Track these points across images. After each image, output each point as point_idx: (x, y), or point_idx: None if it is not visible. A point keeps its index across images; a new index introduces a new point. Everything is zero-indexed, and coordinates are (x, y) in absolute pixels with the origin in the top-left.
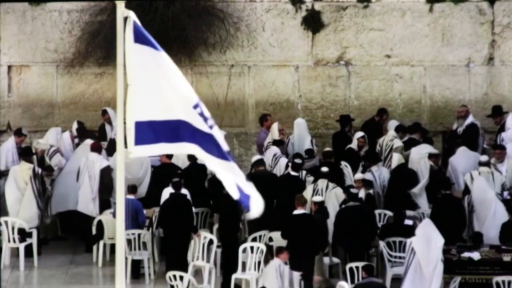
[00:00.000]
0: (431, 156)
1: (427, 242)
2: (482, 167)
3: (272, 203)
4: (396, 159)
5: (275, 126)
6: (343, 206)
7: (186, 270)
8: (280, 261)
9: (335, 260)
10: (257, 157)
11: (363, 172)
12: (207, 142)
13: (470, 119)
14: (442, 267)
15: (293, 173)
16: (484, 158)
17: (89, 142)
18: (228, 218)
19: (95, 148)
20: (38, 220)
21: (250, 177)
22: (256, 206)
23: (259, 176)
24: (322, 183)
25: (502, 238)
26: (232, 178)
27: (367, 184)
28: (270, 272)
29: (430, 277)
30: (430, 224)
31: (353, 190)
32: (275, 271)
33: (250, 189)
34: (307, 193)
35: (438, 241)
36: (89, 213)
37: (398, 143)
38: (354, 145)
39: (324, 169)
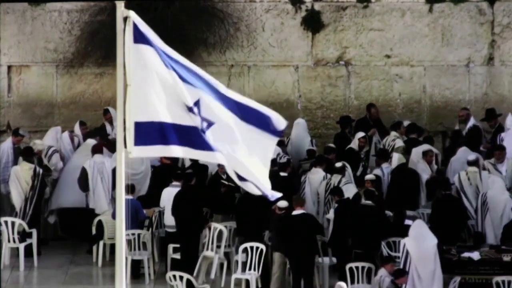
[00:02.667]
0: (424, 154)
1: (419, 242)
2: (470, 167)
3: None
4: (396, 158)
5: None
6: (360, 204)
7: (196, 262)
8: (385, 272)
9: (335, 260)
10: None
11: (364, 171)
12: (202, 144)
13: (472, 122)
14: (440, 266)
15: (282, 173)
16: (472, 157)
17: (90, 142)
18: (250, 217)
19: (98, 150)
20: (26, 220)
21: None
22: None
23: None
24: (335, 178)
25: (503, 239)
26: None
27: (376, 185)
28: (374, 284)
29: (428, 277)
30: (422, 224)
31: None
32: (377, 283)
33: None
34: (321, 189)
35: (431, 240)
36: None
37: (399, 143)
38: (354, 145)
39: (338, 164)
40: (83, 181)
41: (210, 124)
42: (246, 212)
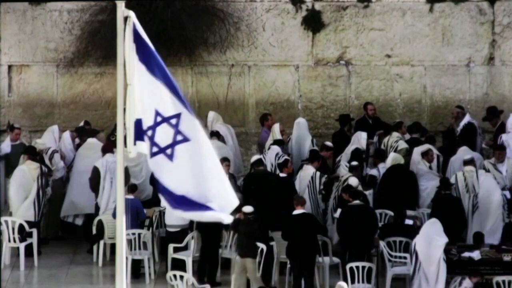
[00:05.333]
0: (424, 154)
1: (428, 241)
2: (466, 166)
3: (273, 203)
4: (391, 159)
5: (276, 127)
6: (349, 204)
7: (217, 261)
8: (470, 284)
9: (335, 260)
10: (256, 157)
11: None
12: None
13: (467, 119)
14: (445, 267)
15: (282, 174)
16: (467, 157)
17: (91, 141)
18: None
19: (108, 149)
20: (35, 217)
21: (250, 177)
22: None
23: (259, 175)
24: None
25: (503, 238)
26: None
27: (373, 185)
28: None
29: (433, 277)
30: (434, 224)
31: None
32: None
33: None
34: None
35: (439, 240)
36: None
37: (403, 144)
38: (360, 145)
39: (354, 163)
40: (95, 180)
41: (185, 139)
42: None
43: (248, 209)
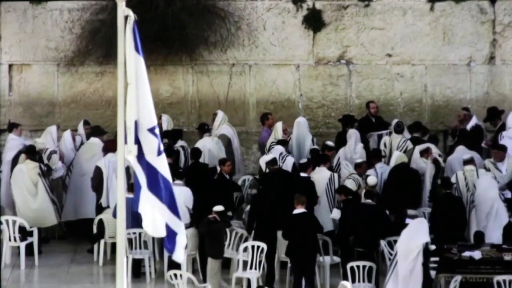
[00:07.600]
0: (422, 153)
1: (408, 239)
2: (466, 165)
3: (287, 202)
4: (395, 158)
5: (279, 126)
6: (361, 203)
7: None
8: None
9: (336, 259)
10: (270, 156)
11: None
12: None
13: (474, 121)
14: (421, 269)
15: (302, 174)
16: (467, 156)
17: (93, 141)
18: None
19: (110, 148)
20: (57, 215)
21: (265, 176)
22: (180, 249)
23: (274, 175)
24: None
25: (504, 238)
26: (161, 217)
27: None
28: None
29: (403, 275)
30: (420, 223)
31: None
32: None
33: (179, 230)
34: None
35: (420, 238)
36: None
37: (410, 146)
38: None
39: (359, 161)
40: (98, 180)
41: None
42: (259, 213)
43: (218, 208)
